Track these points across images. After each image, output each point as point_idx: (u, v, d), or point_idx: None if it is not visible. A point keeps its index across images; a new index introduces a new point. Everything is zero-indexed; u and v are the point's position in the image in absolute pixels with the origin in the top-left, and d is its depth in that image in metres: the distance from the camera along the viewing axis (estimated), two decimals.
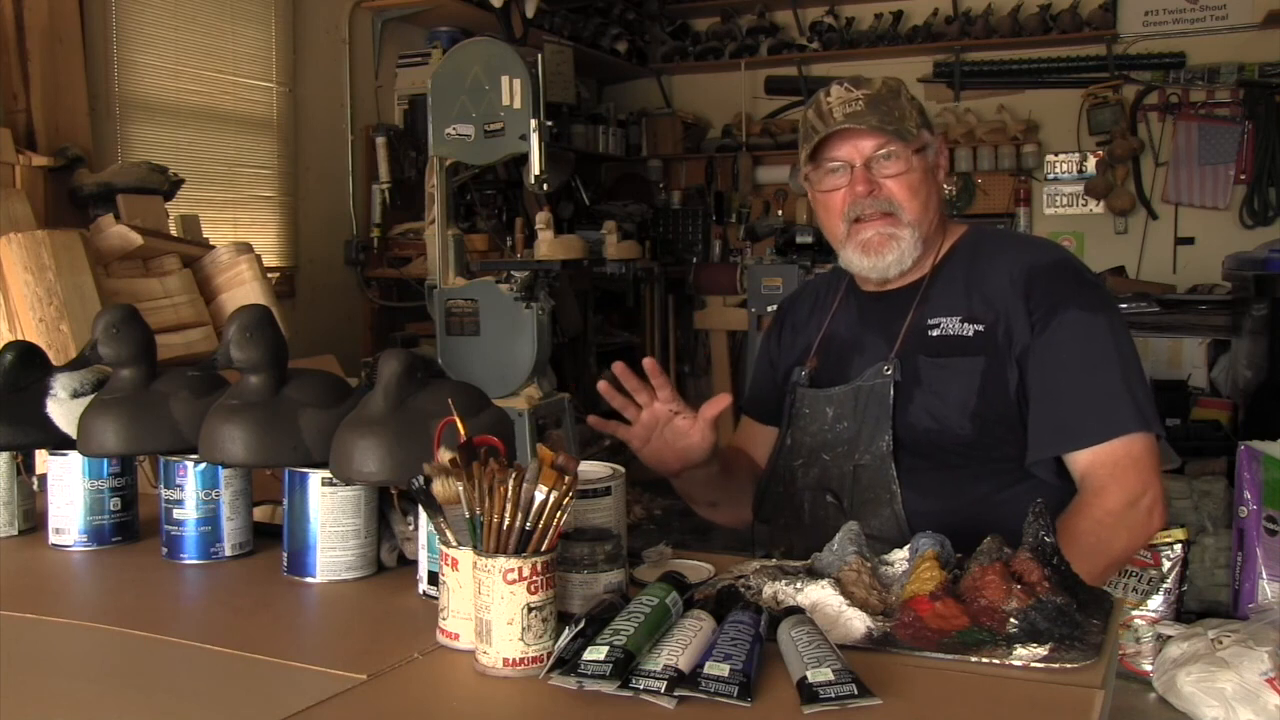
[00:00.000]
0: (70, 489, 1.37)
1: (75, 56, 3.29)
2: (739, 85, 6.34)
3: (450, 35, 4.79)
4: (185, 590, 1.24)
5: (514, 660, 0.92)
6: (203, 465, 1.28)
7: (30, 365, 1.46)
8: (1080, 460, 1.42)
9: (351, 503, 1.21)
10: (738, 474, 1.66)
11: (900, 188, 1.50)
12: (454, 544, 1.00)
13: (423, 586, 1.15)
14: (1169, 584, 2.85)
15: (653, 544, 1.28)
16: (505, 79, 3.23)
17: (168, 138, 3.80)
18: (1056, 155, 5.87)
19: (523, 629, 0.92)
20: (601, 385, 1.47)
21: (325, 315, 4.44)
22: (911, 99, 1.54)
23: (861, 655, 0.95)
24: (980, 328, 1.47)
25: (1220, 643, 2.57)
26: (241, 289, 2.99)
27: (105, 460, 1.36)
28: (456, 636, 0.99)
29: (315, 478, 1.21)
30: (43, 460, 1.42)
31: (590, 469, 1.21)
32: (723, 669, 0.86)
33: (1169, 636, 2.73)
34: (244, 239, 3.43)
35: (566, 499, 0.95)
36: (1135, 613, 2.83)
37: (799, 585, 1.05)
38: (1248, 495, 2.92)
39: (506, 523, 0.93)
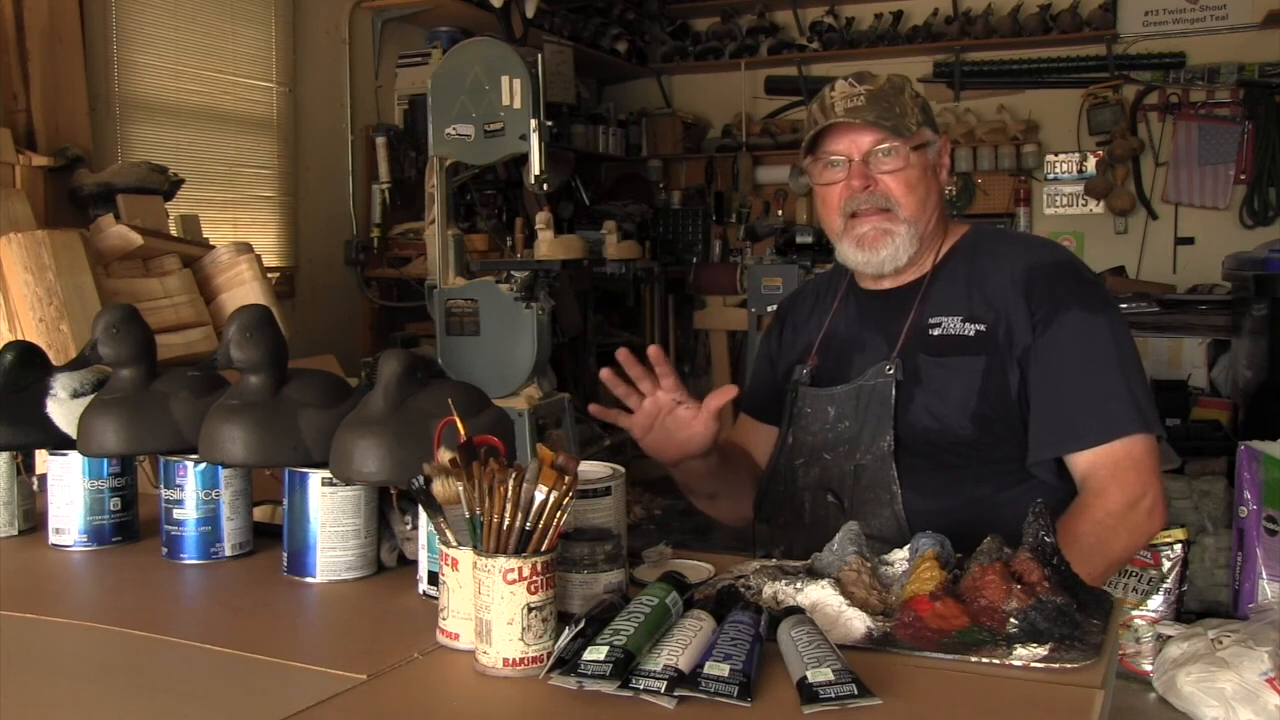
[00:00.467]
0: (70, 489, 1.37)
1: (75, 56, 3.29)
2: (739, 85, 6.34)
3: (450, 35, 4.80)
4: (185, 590, 1.24)
5: (514, 660, 0.92)
6: (203, 465, 1.28)
7: (30, 365, 1.45)
8: (1081, 461, 1.42)
9: (351, 503, 1.21)
10: (737, 468, 1.65)
11: (897, 184, 1.50)
12: (454, 544, 1.00)
13: (423, 586, 1.15)
14: (1169, 584, 2.85)
15: (653, 544, 1.28)
16: (505, 79, 3.24)
17: (168, 138, 3.80)
18: (1056, 155, 5.87)
19: (523, 629, 0.92)
20: (604, 373, 1.47)
21: (325, 315, 4.44)
22: (916, 96, 1.54)
23: (861, 655, 0.95)
24: (981, 327, 1.47)
25: (1220, 643, 2.57)
26: (241, 289, 2.99)
27: (105, 460, 1.36)
28: (456, 636, 0.99)
29: (315, 478, 1.21)
30: (43, 460, 1.42)
31: (590, 469, 1.21)
32: (723, 669, 0.86)
33: (1169, 636, 2.73)
34: (244, 239, 3.43)
35: (566, 499, 0.95)
36: (1135, 613, 2.83)
37: (799, 585, 1.05)
38: (1248, 495, 2.92)
39: (506, 523, 0.93)
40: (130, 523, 1.40)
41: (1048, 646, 0.94)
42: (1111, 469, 1.40)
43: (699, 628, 0.93)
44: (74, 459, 1.36)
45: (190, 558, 1.29)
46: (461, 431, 1.04)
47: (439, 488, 1.00)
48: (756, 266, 4.84)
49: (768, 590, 1.06)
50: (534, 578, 0.92)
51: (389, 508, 1.26)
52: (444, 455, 1.01)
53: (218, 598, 1.21)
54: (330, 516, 1.20)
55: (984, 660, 0.94)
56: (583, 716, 0.85)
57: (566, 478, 0.95)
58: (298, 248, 4.40)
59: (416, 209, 4.18)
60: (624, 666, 0.86)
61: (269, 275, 3.32)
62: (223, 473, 1.29)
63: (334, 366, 3.22)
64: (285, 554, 1.23)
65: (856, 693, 0.85)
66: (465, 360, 3.38)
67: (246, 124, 4.16)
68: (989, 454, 1.46)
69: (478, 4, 4.79)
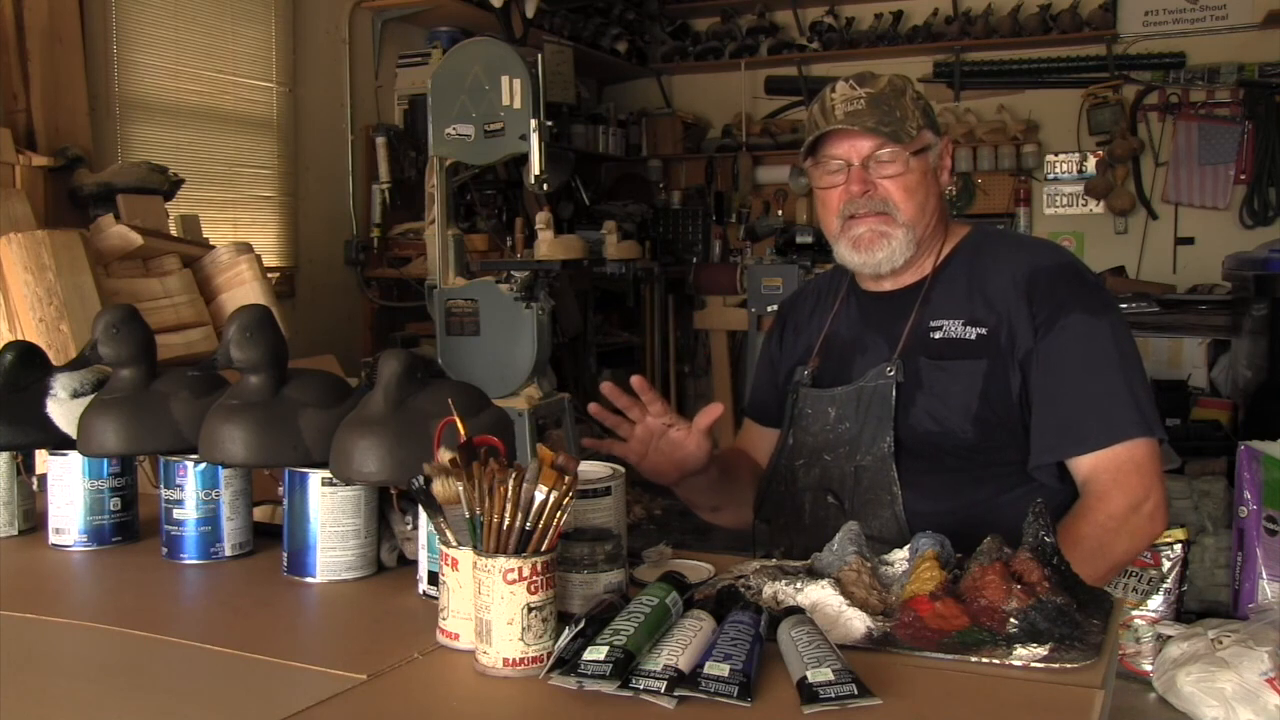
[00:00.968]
0: (70, 489, 1.36)
1: (75, 56, 3.29)
2: (739, 85, 6.34)
3: (450, 35, 4.79)
4: (185, 590, 1.24)
5: (514, 660, 0.92)
6: (203, 465, 1.28)
7: (30, 365, 1.45)
8: (1083, 465, 1.42)
9: (351, 503, 1.21)
10: (739, 477, 1.67)
11: (896, 188, 1.50)
12: (454, 544, 1.00)
13: (423, 586, 1.15)
14: (1169, 584, 2.85)
15: (653, 544, 1.28)
16: (505, 79, 3.23)
17: (168, 138, 3.80)
18: (1056, 155, 5.87)
19: (523, 629, 0.92)
20: (593, 408, 1.50)
21: (325, 315, 4.44)
22: (917, 98, 1.54)
23: (861, 655, 0.95)
24: (983, 331, 1.47)
25: (1220, 643, 2.57)
26: (241, 289, 2.99)
27: (105, 460, 1.36)
28: (456, 636, 0.99)
29: (315, 478, 1.21)
30: (43, 460, 1.42)
31: (590, 469, 1.21)
32: (723, 669, 0.86)
33: (1169, 636, 2.73)
34: (244, 239, 3.43)
35: (566, 499, 0.95)
36: (1135, 613, 2.83)
37: (799, 585, 1.05)
38: (1248, 495, 2.92)
39: (506, 523, 0.93)
40: (130, 523, 1.40)
41: (1048, 646, 0.94)
42: (1114, 472, 1.40)
43: (699, 628, 0.93)
44: (74, 459, 1.36)
45: (190, 558, 1.29)
46: (461, 431, 1.04)
47: (439, 488, 1.00)
48: (756, 266, 4.84)
49: (768, 590, 1.06)
50: (534, 578, 0.92)
51: (389, 508, 1.26)
52: (444, 455, 1.01)
53: (218, 598, 1.21)
54: (330, 516, 1.20)
55: (984, 660, 0.94)
56: (583, 716, 0.85)
57: (566, 478, 0.95)
58: (298, 248, 4.40)
59: (416, 209, 4.18)
60: (624, 666, 0.86)
61: (269, 275, 3.32)
62: (223, 473, 1.29)
63: (334, 366, 3.22)
64: (285, 554, 1.23)
65: (856, 693, 0.85)
66: (465, 360, 3.38)
67: (246, 124, 4.16)
68: (990, 457, 1.45)
69: (478, 4, 4.79)
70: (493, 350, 3.36)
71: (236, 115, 4.11)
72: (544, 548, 0.94)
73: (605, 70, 6.48)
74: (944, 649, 0.95)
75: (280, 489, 1.26)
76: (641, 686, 0.86)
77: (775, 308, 4.65)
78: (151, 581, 1.25)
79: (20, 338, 2.23)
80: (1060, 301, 1.45)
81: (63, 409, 1.41)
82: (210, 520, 1.29)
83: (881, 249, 1.51)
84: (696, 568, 1.22)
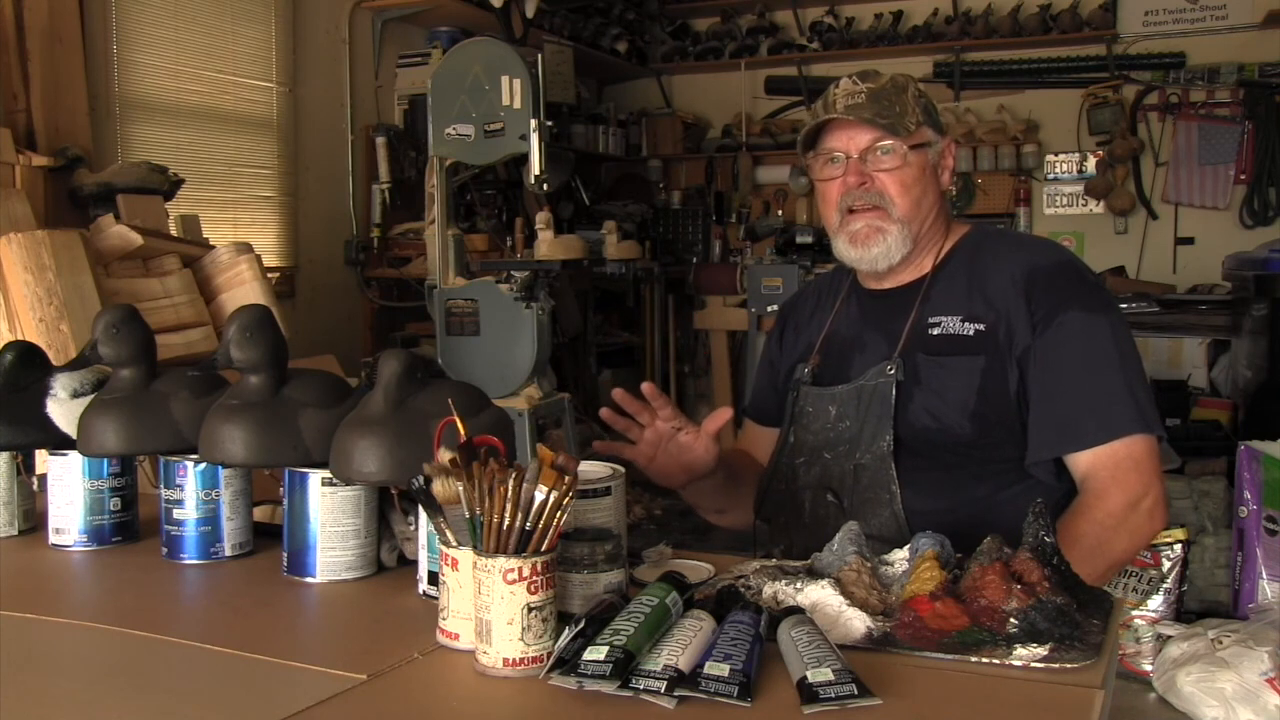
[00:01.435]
0: (70, 489, 1.36)
1: (75, 56, 3.29)
2: (739, 85, 6.34)
3: (450, 35, 4.80)
4: (185, 590, 1.24)
5: (514, 660, 0.92)
6: (203, 465, 1.28)
7: (30, 365, 1.45)
8: (1081, 462, 1.42)
9: (351, 503, 1.21)
10: (744, 480, 1.68)
11: (892, 182, 1.50)
12: (454, 544, 1.00)
13: (423, 586, 1.15)
14: (1169, 584, 2.85)
15: (653, 544, 1.28)
16: (505, 79, 3.23)
17: (168, 138, 3.80)
18: (1056, 155, 5.87)
19: (523, 629, 0.92)
20: (604, 412, 1.52)
21: (325, 315, 4.44)
22: (919, 96, 1.55)
23: (861, 655, 0.95)
24: (981, 327, 1.47)
25: (1220, 643, 2.57)
26: (241, 289, 2.99)
27: (105, 460, 1.36)
28: (456, 636, 0.99)
29: (315, 478, 1.21)
30: (43, 460, 1.42)
31: (590, 469, 1.21)
32: (723, 669, 0.86)
33: (1169, 636, 2.73)
34: (244, 239, 3.43)
35: (566, 499, 0.95)
36: (1135, 613, 2.83)
37: (799, 585, 1.05)
38: (1248, 495, 2.92)
39: (506, 523, 0.93)
40: (130, 523, 1.40)
41: (1048, 646, 0.94)
42: (1112, 469, 1.40)
43: (699, 628, 0.93)
44: (74, 459, 1.36)
45: (190, 558, 1.29)
46: (461, 431, 1.04)
47: (439, 488, 1.00)
48: (756, 266, 4.84)
49: (768, 590, 1.06)
50: (534, 578, 0.92)
51: (389, 508, 1.26)
52: (444, 455, 1.01)
53: (218, 598, 1.21)
54: (330, 516, 1.20)
55: (984, 660, 0.94)
56: (583, 716, 0.85)
57: (566, 478, 0.95)
58: (298, 248, 4.40)
59: (416, 209, 4.17)
60: (624, 666, 0.86)
61: (269, 275, 3.32)
62: (223, 473, 1.29)
63: (334, 366, 3.22)
64: (285, 554, 1.23)
65: (856, 693, 0.85)
66: (465, 360, 3.38)
67: (246, 124, 4.16)
68: (988, 454, 1.46)
69: (478, 4, 4.79)
70: (493, 350, 3.36)
71: (236, 115, 4.11)
72: (544, 548, 0.94)
73: (605, 70, 6.48)
74: (944, 649, 0.95)
75: (280, 489, 1.26)
76: (641, 686, 0.86)
77: (775, 308, 4.67)
78: (151, 581, 1.25)
79: (20, 338, 2.23)
80: (1059, 299, 1.45)
81: (63, 409, 1.41)
82: (210, 520, 1.29)
83: (877, 244, 1.51)
84: (696, 568, 1.22)
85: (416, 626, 1.06)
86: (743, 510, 1.68)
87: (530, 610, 0.92)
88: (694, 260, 6.16)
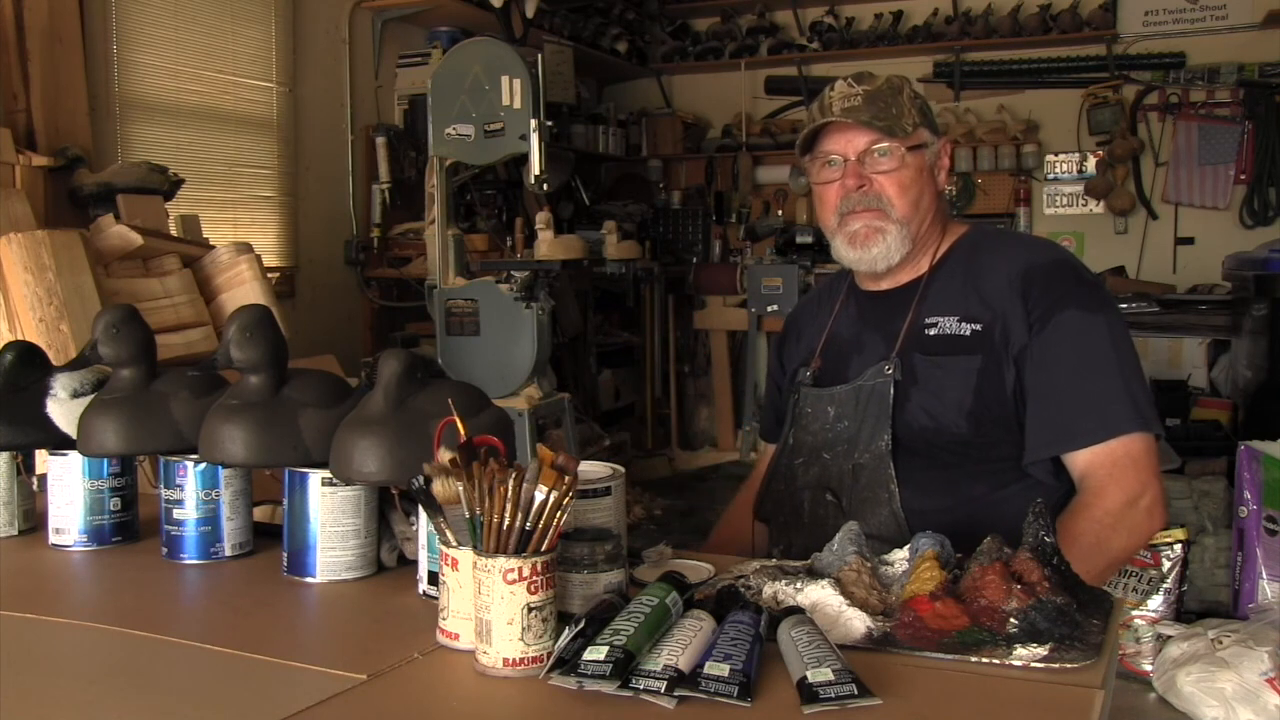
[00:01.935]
0: (70, 489, 1.37)
1: (75, 56, 3.29)
2: (739, 85, 6.34)
3: (450, 35, 4.79)
4: (185, 590, 1.24)
5: (514, 660, 0.92)
6: (203, 465, 1.28)
7: (30, 365, 1.46)
8: (1079, 460, 1.42)
9: (351, 503, 1.21)
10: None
11: (891, 184, 1.51)
12: (454, 544, 1.00)
13: (423, 586, 1.15)
14: (1169, 584, 2.85)
15: (653, 544, 1.28)
16: (505, 79, 3.24)
17: (168, 138, 3.80)
18: (1056, 155, 5.87)
19: (523, 629, 0.92)
20: None
21: (325, 315, 4.44)
22: (915, 97, 1.55)
23: (861, 655, 0.95)
24: (977, 327, 1.47)
25: (1220, 643, 2.57)
26: (241, 289, 2.99)
27: (105, 460, 1.36)
28: (456, 636, 0.99)
29: (315, 478, 1.21)
30: (43, 460, 1.42)
31: (590, 469, 1.21)
32: (723, 669, 0.86)
33: (1169, 636, 2.73)
34: (244, 239, 3.43)
35: (566, 499, 0.95)
36: (1135, 613, 2.83)
37: (799, 585, 1.05)
38: (1248, 495, 2.92)
39: (506, 523, 0.93)
40: (130, 523, 1.40)
41: (1048, 646, 0.94)
42: (1110, 468, 1.40)
43: (699, 628, 0.93)
44: (74, 459, 1.36)
45: (190, 558, 1.29)
46: (461, 431, 1.04)
47: (439, 488, 1.00)
48: (756, 266, 4.85)
49: (768, 590, 1.06)
50: (534, 578, 0.92)
51: (389, 508, 1.26)
52: (444, 455, 1.01)
53: (218, 598, 1.21)
54: (330, 516, 1.21)
55: (984, 660, 0.94)
56: (583, 716, 0.85)
57: (566, 478, 0.95)
58: (298, 248, 4.40)
59: (416, 209, 4.18)
60: (624, 666, 0.86)
61: (269, 275, 3.32)
62: (223, 473, 1.29)
63: (334, 366, 3.22)
64: (285, 554, 1.23)
65: (856, 693, 0.85)
66: (465, 360, 3.38)
67: (246, 124, 4.16)
68: (985, 453, 1.46)
69: (478, 4, 4.79)
70: (493, 350, 3.36)
71: (236, 115, 4.11)
72: (544, 548, 0.94)
73: (605, 70, 6.48)
74: (944, 649, 0.96)
75: (280, 489, 1.26)
76: (641, 686, 0.86)
77: (775, 308, 4.68)
78: (151, 581, 1.25)
79: (20, 338, 2.23)
80: (1056, 298, 1.45)
81: (63, 409, 1.41)
82: (210, 520, 1.29)
83: (876, 244, 1.52)
84: (696, 568, 1.22)
85: (416, 626, 1.06)
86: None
87: (530, 610, 0.92)
88: (694, 260, 6.16)
